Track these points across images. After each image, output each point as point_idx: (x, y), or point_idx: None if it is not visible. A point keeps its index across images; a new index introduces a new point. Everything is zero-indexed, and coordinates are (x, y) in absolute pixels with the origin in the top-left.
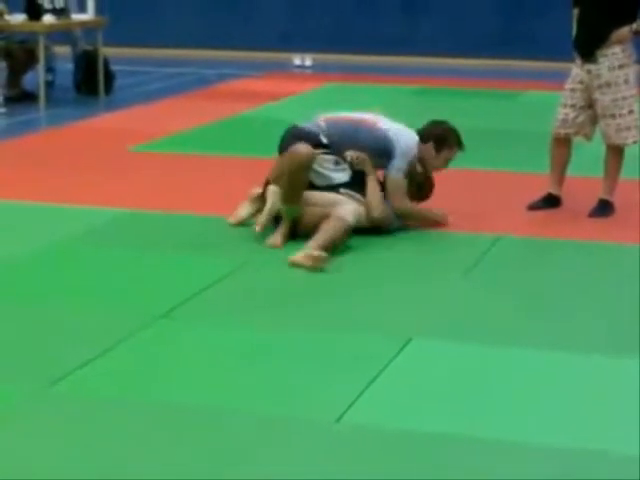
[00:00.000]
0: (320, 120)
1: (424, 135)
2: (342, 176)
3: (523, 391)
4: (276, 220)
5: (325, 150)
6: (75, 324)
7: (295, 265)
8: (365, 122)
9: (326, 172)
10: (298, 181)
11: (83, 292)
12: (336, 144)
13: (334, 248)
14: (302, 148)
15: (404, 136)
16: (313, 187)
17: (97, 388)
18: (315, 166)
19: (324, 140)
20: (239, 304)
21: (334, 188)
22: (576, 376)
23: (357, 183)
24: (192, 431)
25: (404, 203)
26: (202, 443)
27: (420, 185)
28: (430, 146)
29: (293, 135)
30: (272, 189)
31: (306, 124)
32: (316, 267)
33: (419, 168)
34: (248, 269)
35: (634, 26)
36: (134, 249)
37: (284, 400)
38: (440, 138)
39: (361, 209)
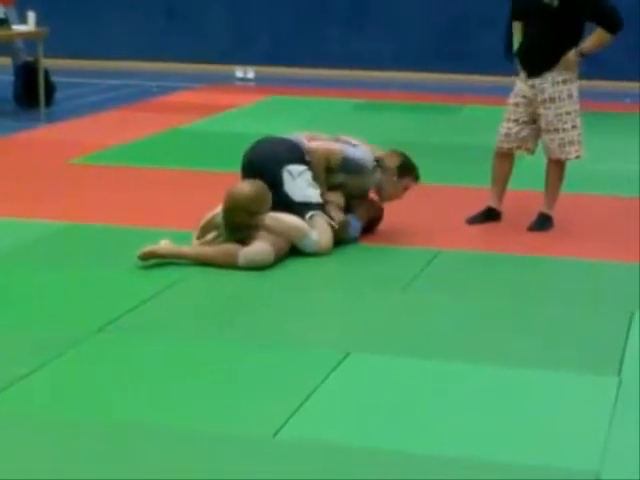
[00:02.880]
0: (302, 136)
1: (386, 163)
2: (314, 194)
3: (460, 406)
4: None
5: (306, 166)
6: (7, 340)
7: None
8: (340, 139)
9: (303, 186)
10: (235, 218)
11: (15, 308)
12: None
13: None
14: (242, 190)
15: (367, 150)
16: (285, 202)
17: (30, 404)
18: (293, 178)
19: (307, 157)
20: (175, 319)
21: (305, 208)
22: (513, 390)
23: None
24: (125, 447)
25: (319, 165)
26: (135, 459)
27: (373, 219)
28: (392, 173)
29: (281, 146)
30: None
31: (289, 136)
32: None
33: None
34: (185, 283)
35: (580, 49)
36: (71, 263)
37: (220, 415)
38: (404, 166)
39: (266, 247)
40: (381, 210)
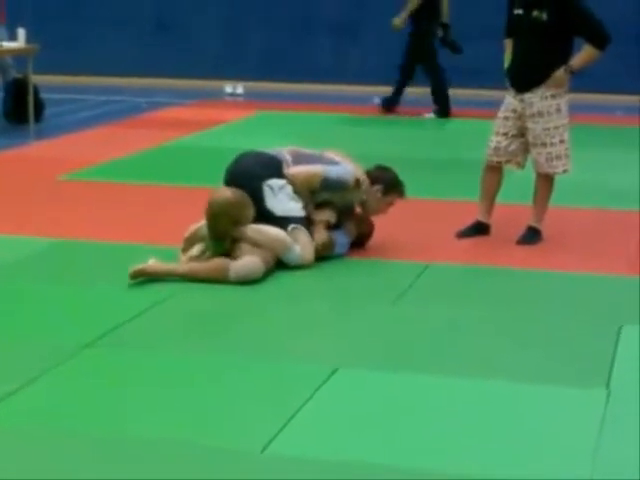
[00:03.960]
0: (285, 151)
1: (373, 178)
2: (296, 207)
3: (449, 420)
4: None
5: (286, 180)
6: None
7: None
8: (323, 157)
9: (284, 200)
10: (218, 225)
11: (5, 322)
12: None
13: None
14: (222, 195)
15: (349, 167)
16: (266, 217)
17: (19, 419)
18: (274, 192)
19: (285, 171)
20: (164, 334)
21: (286, 221)
22: (502, 403)
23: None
24: (113, 461)
25: (302, 189)
26: (123, 473)
27: (364, 234)
28: (378, 189)
29: (258, 160)
30: None
31: (270, 150)
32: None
33: (358, 210)
34: (174, 299)
35: (569, 66)
36: (60, 279)
37: (208, 430)
38: (390, 183)
39: (257, 261)
40: (371, 225)
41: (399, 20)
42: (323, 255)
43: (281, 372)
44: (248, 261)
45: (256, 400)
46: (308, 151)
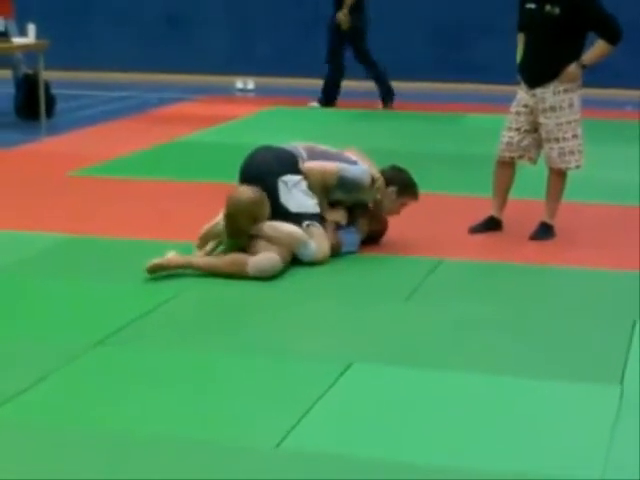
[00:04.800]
0: (300, 147)
1: (387, 178)
2: (311, 204)
3: (463, 416)
4: None
5: (301, 176)
6: (9, 352)
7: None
8: (340, 156)
9: (298, 196)
10: (237, 223)
11: (18, 319)
12: None
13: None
14: (244, 194)
15: (365, 168)
16: (281, 213)
17: (30, 417)
18: (288, 188)
19: (300, 165)
20: (175, 331)
21: (301, 218)
22: (516, 400)
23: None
24: (126, 458)
25: (316, 185)
26: (136, 470)
27: (377, 231)
28: (393, 190)
29: (273, 155)
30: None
31: (286, 146)
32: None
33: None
34: (185, 296)
35: (582, 61)
36: (72, 275)
37: (223, 426)
38: (405, 184)
39: (275, 256)
40: (385, 222)
41: (342, 15)
42: (331, 255)
43: (295, 368)
44: (267, 256)
45: (270, 396)
46: (324, 148)
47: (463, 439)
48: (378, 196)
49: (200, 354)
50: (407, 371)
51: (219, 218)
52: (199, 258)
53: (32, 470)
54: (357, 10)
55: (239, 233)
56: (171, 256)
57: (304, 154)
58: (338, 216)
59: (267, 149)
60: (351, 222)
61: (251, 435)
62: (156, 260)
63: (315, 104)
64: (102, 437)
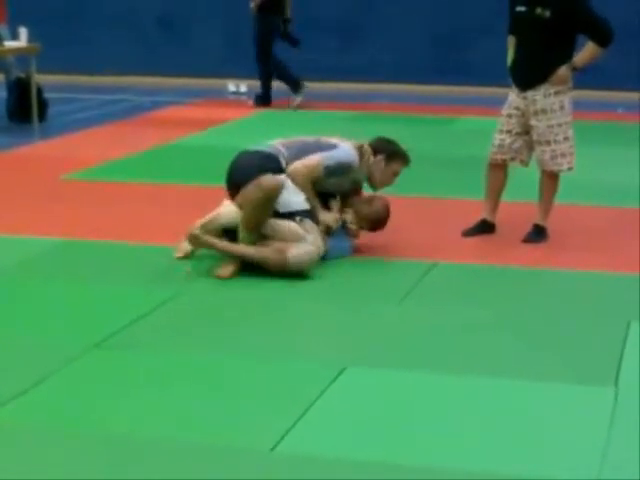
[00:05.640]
0: (278, 144)
1: (374, 148)
2: (299, 201)
3: (458, 418)
4: (226, 233)
5: (285, 175)
6: (7, 355)
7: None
8: (319, 141)
9: (285, 196)
10: (263, 213)
11: (15, 322)
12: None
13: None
14: (271, 180)
15: (347, 147)
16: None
17: (28, 419)
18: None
19: (283, 164)
20: (173, 333)
21: (291, 215)
22: (510, 402)
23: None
24: (123, 461)
25: (305, 184)
26: (133, 473)
27: (378, 219)
28: (380, 159)
29: (255, 158)
30: (226, 203)
31: (265, 147)
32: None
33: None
34: (181, 298)
35: (573, 63)
36: (69, 278)
37: (218, 429)
38: (391, 151)
39: (312, 249)
40: (384, 202)
41: (253, 4)
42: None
43: (289, 371)
44: (305, 249)
45: (265, 399)
46: (301, 138)
47: (457, 441)
48: (365, 166)
49: (196, 357)
50: (401, 374)
51: (219, 211)
52: (236, 245)
53: (30, 472)
54: (273, 12)
55: (260, 224)
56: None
57: (283, 150)
58: (330, 219)
59: (248, 153)
60: (343, 221)
61: (246, 438)
62: (195, 231)
63: (251, 103)
64: (99, 439)
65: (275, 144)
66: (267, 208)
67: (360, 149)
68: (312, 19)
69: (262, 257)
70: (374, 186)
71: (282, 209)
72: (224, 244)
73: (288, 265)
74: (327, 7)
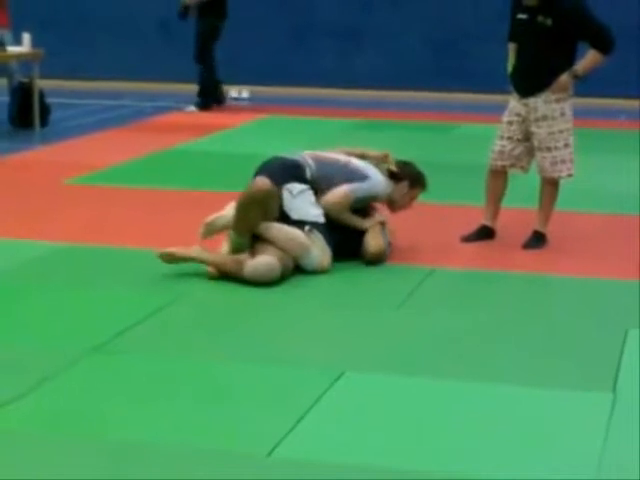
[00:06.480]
0: (307, 156)
1: (399, 174)
2: (315, 213)
3: (455, 423)
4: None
5: (307, 185)
6: (6, 359)
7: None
8: (349, 164)
9: (301, 205)
10: (249, 214)
11: (15, 326)
12: (320, 184)
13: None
14: (261, 183)
15: (379, 179)
16: (285, 219)
17: (26, 424)
18: (292, 196)
19: (308, 175)
20: (171, 337)
21: (302, 223)
22: (508, 407)
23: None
24: (120, 466)
25: (341, 216)
26: (133, 477)
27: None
28: (404, 185)
29: (281, 164)
30: (232, 204)
31: (293, 155)
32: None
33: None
34: (180, 303)
35: (574, 71)
36: (70, 282)
37: (215, 434)
38: (415, 178)
39: (273, 261)
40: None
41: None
42: (376, 262)
43: (286, 376)
44: (266, 259)
45: (262, 404)
46: (330, 155)
47: (455, 446)
48: (392, 195)
49: (194, 361)
50: (399, 379)
51: (225, 211)
52: (209, 254)
53: (28, 476)
54: (213, 13)
55: (247, 227)
56: (194, 249)
57: (311, 162)
58: (377, 217)
59: (275, 159)
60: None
61: (243, 443)
62: (169, 249)
63: (193, 108)
64: (98, 443)
65: (304, 155)
66: (254, 210)
67: (391, 177)
68: (311, 25)
69: (223, 265)
70: (393, 210)
71: (295, 215)
72: (197, 253)
73: (243, 275)
74: (327, 13)
